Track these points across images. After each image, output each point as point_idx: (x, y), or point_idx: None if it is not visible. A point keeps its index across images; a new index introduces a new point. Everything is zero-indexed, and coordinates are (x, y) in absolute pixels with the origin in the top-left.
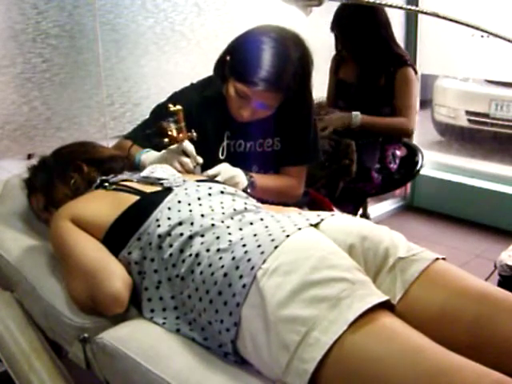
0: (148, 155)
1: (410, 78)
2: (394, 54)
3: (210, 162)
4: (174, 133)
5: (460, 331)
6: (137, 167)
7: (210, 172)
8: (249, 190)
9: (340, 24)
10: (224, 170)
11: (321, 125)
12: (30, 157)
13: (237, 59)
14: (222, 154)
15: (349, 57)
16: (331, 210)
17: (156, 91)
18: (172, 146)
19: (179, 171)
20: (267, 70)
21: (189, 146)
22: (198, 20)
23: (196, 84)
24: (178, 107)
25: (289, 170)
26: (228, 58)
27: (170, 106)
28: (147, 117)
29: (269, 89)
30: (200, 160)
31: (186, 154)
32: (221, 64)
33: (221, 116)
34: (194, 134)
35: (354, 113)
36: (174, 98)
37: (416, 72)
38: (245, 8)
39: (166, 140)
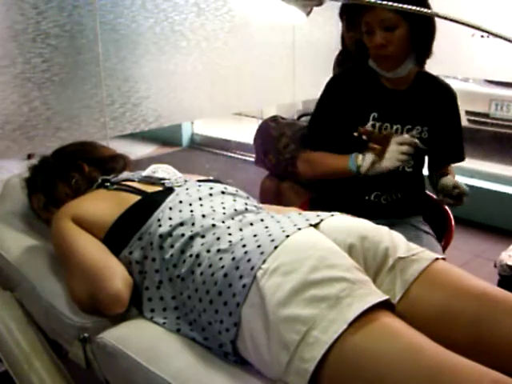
0: (365, 159)
1: None
2: None
3: (350, 140)
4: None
5: (460, 331)
6: (357, 174)
7: None
8: None
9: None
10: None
11: None
12: (30, 157)
13: None
14: None
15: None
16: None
17: (156, 91)
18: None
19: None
20: None
21: (400, 137)
22: (198, 20)
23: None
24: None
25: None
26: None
27: (361, 129)
28: (311, 119)
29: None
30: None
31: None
32: (359, 43)
33: (369, 96)
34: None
35: None
36: (329, 86)
37: None
38: (245, 8)
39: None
